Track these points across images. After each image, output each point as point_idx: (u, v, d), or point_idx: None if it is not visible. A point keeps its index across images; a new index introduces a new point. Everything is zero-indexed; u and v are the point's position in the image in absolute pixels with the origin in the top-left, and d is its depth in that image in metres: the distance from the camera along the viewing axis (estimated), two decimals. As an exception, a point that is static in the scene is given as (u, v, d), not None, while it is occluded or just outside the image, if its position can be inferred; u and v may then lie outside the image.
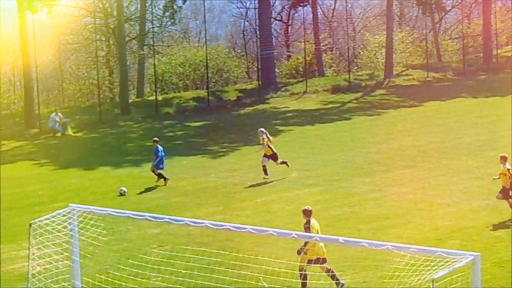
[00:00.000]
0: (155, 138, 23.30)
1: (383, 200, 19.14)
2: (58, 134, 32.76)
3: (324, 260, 12.40)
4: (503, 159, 16.69)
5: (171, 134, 32.83)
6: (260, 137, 22.29)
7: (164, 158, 22.26)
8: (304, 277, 12.31)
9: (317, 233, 12.29)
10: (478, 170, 21.63)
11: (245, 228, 10.52)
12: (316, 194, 20.12)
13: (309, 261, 12.23)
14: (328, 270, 12.48)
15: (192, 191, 21.59)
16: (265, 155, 22.06)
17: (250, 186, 21.61)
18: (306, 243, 12.09)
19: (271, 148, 22.09)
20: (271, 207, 19.36)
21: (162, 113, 37.40)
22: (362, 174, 22.30)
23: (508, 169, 16.36)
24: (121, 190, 21.21)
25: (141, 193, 21.64)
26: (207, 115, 36.51)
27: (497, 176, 17.09)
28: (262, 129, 22.49)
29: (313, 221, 12.66)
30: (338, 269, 12.66)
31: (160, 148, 22.27)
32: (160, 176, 22.16)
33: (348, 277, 12.92)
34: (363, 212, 18.17)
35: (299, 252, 12.36)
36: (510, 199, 16.42)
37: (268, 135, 22.38)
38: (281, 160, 22.15)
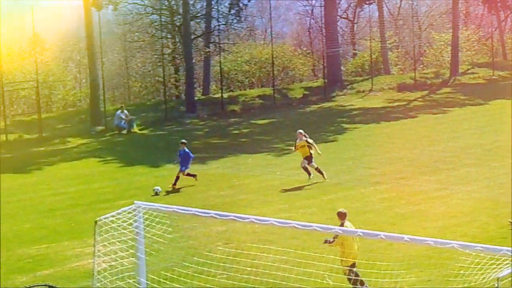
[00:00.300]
0: (183, 140, 23.11)
1: (449, 198, 18.91)
2: (124, 132, 33.08)
3: (354, 264, 12.39)
4: None
5: (236, 131, 32.98)
6: (298, 139, 21.85)
7: (189, 159, 22.09)
8: (356, 276, 12.21)
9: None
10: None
11: (311, 226, 10.36)
12: (381, 192, 19.96)
13: (352, 266, 12.25)
14: (356, 275, 12.34)
15: (257, 188, 21.56)
16: (304, 157, 21.66)
17: (315, 184, 21.41)
18: (335, 236, 12.04)
19: (310, 148, 21.59)
20: (336, 205, 19.08)
21: (227, 111, 37.59)
22: (427, 172, 22.10)
23: None
24: (155, 189, 21.17)
25: (206, 190, 21.69)
26: (272, 113, 36.52)
27: None
28: (301, 131, 22.11)
29: (347, 224, 12.53)
30: (403, 267, 12.38)
31: (185, 150, 22.10)
32: (188, 175, 22.03)
33: (413, 275, 12.81)
34: (428, 210, 17.99)
35: (328, 242, 12.29)
36: None
37: (308, 138, 21.85)
38: (316, 167, 21.56)
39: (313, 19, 52.62)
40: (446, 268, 12.37)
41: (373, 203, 18.81)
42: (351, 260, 12.20)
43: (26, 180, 24.40)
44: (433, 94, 39.33)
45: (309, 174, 21.50)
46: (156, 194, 20.99)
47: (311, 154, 21.51)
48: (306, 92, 41.04)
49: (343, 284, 11.73)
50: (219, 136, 31.98)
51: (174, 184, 21.72)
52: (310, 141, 21.74)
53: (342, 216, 12.59)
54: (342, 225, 12.43)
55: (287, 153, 26.68)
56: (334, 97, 39.98)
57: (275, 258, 11.86)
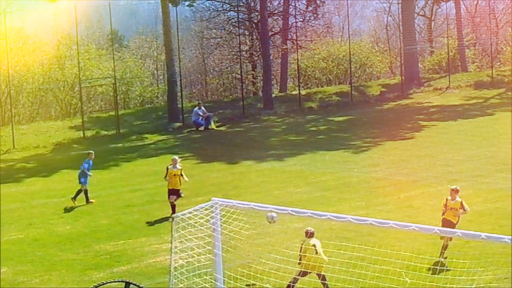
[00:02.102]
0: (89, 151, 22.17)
1: (527, 196, 18.67)
2: (201, 128, 33.04)
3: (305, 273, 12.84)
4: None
5: (314, 128, 32.94)
6: None
7: (87, 172, 20.90)
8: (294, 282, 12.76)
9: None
10: None
11: (388, 223, 10.36)
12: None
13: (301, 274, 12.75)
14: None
15: (334, 185, 21.62)
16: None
17: (392, 181, 21.36)
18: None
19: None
20: (413, 202, 19.14)
21: (305, 108, 37.55)
22: (505, 170, 21.80)
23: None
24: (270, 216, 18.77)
25: (283, 187, 21.82)
26: (350, 110, 36.35)
27: None
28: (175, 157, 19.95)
29: (313, 241, 12.84)
30: (480, 265, 12.40)
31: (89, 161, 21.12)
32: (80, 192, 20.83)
33: (490, 273, 12.83)
34: (506, 208, 17.77)
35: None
36: None
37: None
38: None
39: (390, 16, 52.00)
40: (523, 265, 12.16)
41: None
42: (303, 269, 12.69)
43: (104, 176, 24.42)
44: (510, 91, 38.47)
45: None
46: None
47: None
48: (383, 89, 40.77)
49: (419, 282, 11.65)
50: (296, 133, 31.92)
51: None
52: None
53: (308, 234, 13.02)
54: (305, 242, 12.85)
55: (365, 150, 26.65)
56: (411, 94, 39.58)
57: (352, 255, 11.91)
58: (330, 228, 16.04)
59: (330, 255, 12.37)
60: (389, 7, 50.96)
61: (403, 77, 40.95)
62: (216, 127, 33.78)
